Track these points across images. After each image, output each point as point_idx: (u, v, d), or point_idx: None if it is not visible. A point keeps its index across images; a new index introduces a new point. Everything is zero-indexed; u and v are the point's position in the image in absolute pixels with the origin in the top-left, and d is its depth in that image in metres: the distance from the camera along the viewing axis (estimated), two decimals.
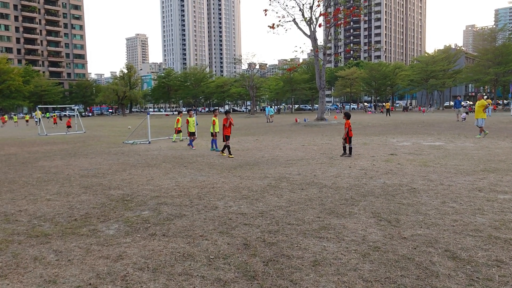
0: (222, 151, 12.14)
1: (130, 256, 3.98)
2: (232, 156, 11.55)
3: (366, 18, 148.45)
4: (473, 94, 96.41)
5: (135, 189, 7.31)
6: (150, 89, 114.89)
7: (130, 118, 61.94)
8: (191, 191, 7.01)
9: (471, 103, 58.61)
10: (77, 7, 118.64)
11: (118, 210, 5.80)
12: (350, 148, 11.13)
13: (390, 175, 8.03)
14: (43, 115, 43.86)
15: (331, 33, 36.68)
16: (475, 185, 6.83)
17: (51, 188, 7.55)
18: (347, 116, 11.23)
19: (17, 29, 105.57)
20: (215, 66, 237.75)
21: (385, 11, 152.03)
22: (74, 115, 30.89)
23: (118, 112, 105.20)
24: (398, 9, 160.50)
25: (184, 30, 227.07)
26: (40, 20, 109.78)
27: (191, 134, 14.75)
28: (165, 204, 6.08)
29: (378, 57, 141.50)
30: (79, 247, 4.29)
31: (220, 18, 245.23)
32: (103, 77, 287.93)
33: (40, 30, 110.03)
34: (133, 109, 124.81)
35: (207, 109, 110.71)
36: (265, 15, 32.90)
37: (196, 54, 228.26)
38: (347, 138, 11.06)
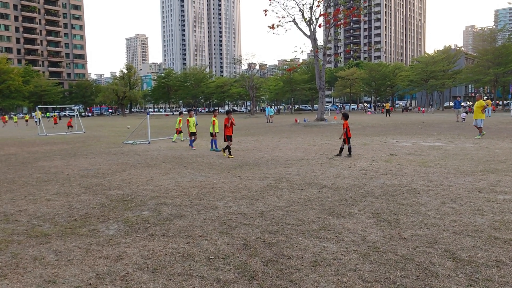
0: (224, 150, 11.99)
1: (130, 256, 3.98)
2: (232, 156, 11.54)
3: (366, 19, 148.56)
4: (473, 94, 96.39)
5: (135, 189, 7.31)
6: (150, 89, 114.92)
7: (130, 118, 61.93)
8: (191, 191, 7.01)
9: (471, 103, 58.59)
10: (77, 7, 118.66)
11: (118, 210, 5.80)
12: (350, 149, 11.14)
13: (390, 175, 8.03)
14: (43, 115, 43.84)
15: (331, 34, 36.69)
16: (475, 186, 6.83)
17: (50, 188, 7.55)
18: (345, 116, 11.25)
19: (17, 29, 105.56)
20: (215, 66, 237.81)
21: (385, 12, 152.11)
22: (74, 115, 30.86)
23: (118, 112, 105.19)
24: (398, 10, 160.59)
25: (184, 30, 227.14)
26: (40, 20, 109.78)
27: (192, 134, 14.74)
28: (164, 204, 6.08)
29: (378, 57, 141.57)
30: (78, 247, 4.29)
31: (220, 18, 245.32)
32: (103, 77, 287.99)
33: (40, 30, 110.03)
34: (133, 109, 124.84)
35: (207, 110, 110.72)
36: (265, 15, 32.91)
37: (196, 54, 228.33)
38: (346, 139, 11.06)
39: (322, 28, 67.32)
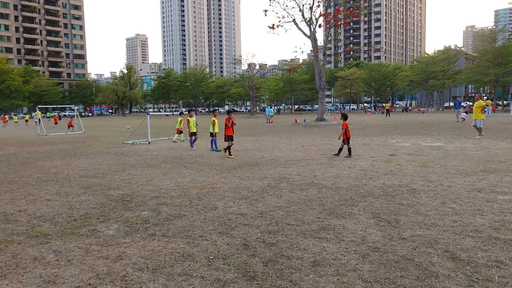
0: (225, 150, 11.86)
1: (130, 256, 3.97)
2: (232, 156, 11.54)
3: (366, 19, 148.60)
4: (473, 94, 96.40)
5: (135, 189, 7.31)
6: (150, 89, 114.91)
7: (130, 118, 61.93)
8: (191, 191, 7.01)
9: (471, 103, 58.59)
10: (77, 7, 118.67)
11: (118, 210, 5.80)
12: (349, 149, 11.13)
13: (390, 175, 8.03)
14: (43, 115, 43.86)
15: (331, 34, 36.69)
16: (474, 186, 6.83)
17: (50, 188, 7.55)
18: (345, 117, 11.26)
19: (17, 29, 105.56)
20: (215, 67, 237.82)
21: (385, 12, 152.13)
22: (74, 115, 30.87)
23: (118, 112, 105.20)
24: (398, 10, 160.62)
25: (184, 30, 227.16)
26: (40, 20, 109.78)
27: (192, 134, 14.72)
28: (164, 205, 6.08)
29: (378, 57, 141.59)
30: (78, 247, 4.29)
31: (220, 18, 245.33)
32: (103, 77, 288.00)
33: (40, 30, 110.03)
34: (133, 109, 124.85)
35: (206, 110, 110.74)
36: (265, 15, 32.92)
37: (196, 54, 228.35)
38: (345, 139, 11.06)
39: (322, 28, 67.36)
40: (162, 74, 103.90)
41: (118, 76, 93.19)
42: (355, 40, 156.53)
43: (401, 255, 3.85)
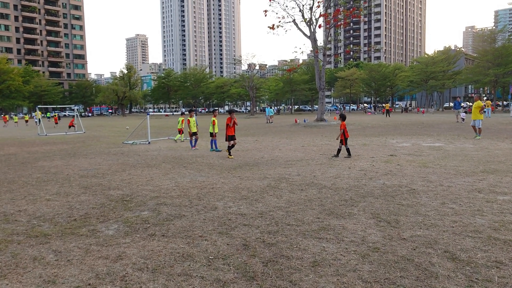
0: (229, 151, 11.73)
1: (130, 257, 3.98)
2: (232, 156, 11.54)
3: (366, 19, 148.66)
4: (473, 95, 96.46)
5: (135, 189, 7.31)
6: (150, 89, 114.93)
7: (130, 119, 61.94)
8: (191, 191, 7.01)
9: (471, 104, 58.59)
10: (77, 7, 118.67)
11: (118, 211, 5.80)
12: (348, 149, 11.12)
13: (390, 176, 8.03)
14: (43, 115, 43.86)
15: (331, 34, 36.70)
16: (474, 186, 6.83)
17: (50, 188, 7.55)
18: (343, 117, 11.26)
19: (17, 29, 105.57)
20: (215, 67, 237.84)
21: (385, 12, 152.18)
22: (74, 115, 30.90)
23: (118, 113, 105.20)
24: (398, 10, 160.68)
25: (184, 30, 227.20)
26: (40, 20, 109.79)
27: (193, 134, 14.71)
28: (164, 205, 6.08)
29: (378, 58, 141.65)
30: (78, 247, 4.29)
31: (220, 18, 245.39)
32: (103, 77, 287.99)
33: (40, 30, 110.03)
34: (133, 110, 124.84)
35: (206, 110, 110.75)
36: (265, 15, 32.92)
37: (196, 55, 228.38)
38: (343, 140, 11.06)
39: (322, 28, 67.40)
40: (162, 74, 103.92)
41: (118, 76, 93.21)
42: (355, 41, 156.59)
43: (401, 255, 3.85)
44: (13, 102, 75.82)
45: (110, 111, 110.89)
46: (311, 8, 31.04)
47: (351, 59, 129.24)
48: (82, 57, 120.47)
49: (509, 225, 4.71)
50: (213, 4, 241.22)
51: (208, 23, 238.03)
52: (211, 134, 13.43)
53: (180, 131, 17.74)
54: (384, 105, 60.77)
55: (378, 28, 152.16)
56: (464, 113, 29.20)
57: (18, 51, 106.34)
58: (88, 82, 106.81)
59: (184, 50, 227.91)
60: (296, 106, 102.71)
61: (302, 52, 46.17)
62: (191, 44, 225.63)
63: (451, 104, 70.56)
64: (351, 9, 33.91)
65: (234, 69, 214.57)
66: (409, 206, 5.65)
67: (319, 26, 32.22)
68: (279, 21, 31.70)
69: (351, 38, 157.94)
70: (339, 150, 11.23)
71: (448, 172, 8.30)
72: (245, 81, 73.38)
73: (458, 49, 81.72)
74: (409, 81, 74.57)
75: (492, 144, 13.44)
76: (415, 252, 3.93)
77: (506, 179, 7.41)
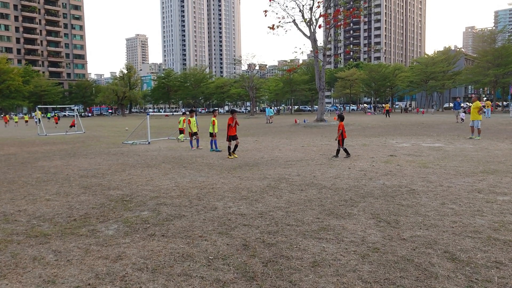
0: (233, 152, 11.74)
1: (129, 257, 3.97)
2: (232, 157, 11.53)
3: (366, 20, 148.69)
4: (472, 95, 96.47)
5: (135, 189, 7.31)
6: (150, 89, 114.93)
7: (130, 119, 61.93)
8: (191, 191, 7.01)
9: (471, 104, 58.57)
10: (77, 7, 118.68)
11: (118, 211, 5.80)
12: (345, 149, 11.11)
13: (390, 176, 8.04)
14: (43, 115, 43.86)
15: (331, 34, 36.70)
16: (474, 187, 6.83)
17: (50, 188, 7.55)
18: (341, 118, 11.26)
19: (17, 29, 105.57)
20: (215, 67, 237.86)
21: (385, 12, 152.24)
22: (74, 116, 30.91)
23: (118, 113, 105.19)
24: (398, 10, 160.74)
25: (184, 30, 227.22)
26: (40, 20, 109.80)
27: (193, 134, 14.70)
28: (164, 205, 6.08)
29: (378, 58, 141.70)
30: (78, 247, 4.29)
31: (220, 19, 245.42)
32: (103, 77, 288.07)
33: (40, 30, 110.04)
34: (132, 110, 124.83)
35: (206, 110, 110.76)
36: (265, 16, 32.91)
37: (196, 55, 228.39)
38: (340, 140, 11.05)
39: (322, 29, 67.42)
40: (162, 75, 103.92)
41: (118, 76, 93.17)
42: (355, 41, 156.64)
43: (400, 255, 3.85)
44: (13, 102, 75.81)
45: (110, 111, 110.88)
46: (311, 9, 31.05)
47: (351, 60, 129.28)
48: (82, 57, 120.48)
49: (509, 225, 4.71)
50: (213, 4, 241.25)
51: (208, 23, 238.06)
52: (211, 134, 13.43)
53: (183, 131, 17.75)
54: (384, 105, 60.82)
55: (378, 28, 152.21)
56: (463, 114, 29.22)
57: (18, 51, 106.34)
58: (88, 82, 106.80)
59: (184, 50, 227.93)
60: (296, 107, 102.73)
61: (302, 53, 46.25)
62: (191, 44, 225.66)
63: (451, 105, 70.60)
64: (351, 10, 33.93)
65: (234, 69, 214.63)
66: (409, 207, 5.65)
67: (319, 27, 32.21)
68: (279, 21, 31.72)
69: (351, 38, 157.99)
70: (338, 151, 11.23)
71: (448, 172, 8.30)
72: (245, 81, 73.39)
73: (458, 49, 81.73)
74: (409, 82, 74.59)
75: (492, 145, 13.45)
76: (415, 252, 3.93)
77: (506, 179, 7.41)
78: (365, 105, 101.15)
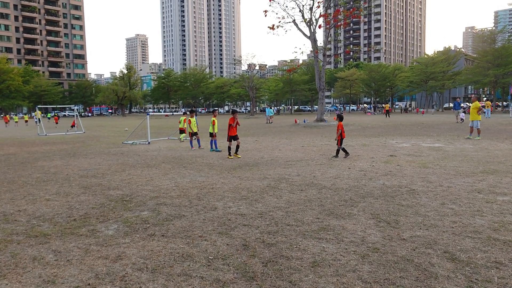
0: (236, 153, 11.73)
1: (129, 257, 3.97)
2: (232, 157, 11.53)
3: (366, 20, 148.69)
4: (472, 95, 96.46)
5: (134, 189, 7.30)
6: (150, 89, 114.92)
7: (130, 119, 61.93)
8: (191, 191, 7.01)
9: (471, 104, 58.54)
10: (77, 7, 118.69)
11: (117, 211, 5.80)
12: (343, 149, 11.11)
13: (390, 176, 8.04)
14: (43, 115, 43.87)
15: (330, 34, 36.71)
16: (474, 187, 6.83)
17: (50, 188, 7.55)
18: (340, 118, 11.26)
19: (17, 29, 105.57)
20: (215, 67, 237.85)
21: (385, 13, 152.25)
22: (74, 115, 30.92)
23: (118, 113, 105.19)
24: (397, 11, 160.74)
25: (184, 30, 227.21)
26: (40, 20, 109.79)
27: (193, 134, 14.70)
28: (164, 205, 6.08)
29: (378, 58, 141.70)
30: (78, 247, 4.29)
31: (220, 19, 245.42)
32: (103, 77, 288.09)
33: (40, 30, 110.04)
34: (132, 110, 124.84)
35: (206, 110, 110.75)
36: (265, 16, 32.91)
37: (196, 55, 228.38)
38: (339, 140, 11.05)
39: (322, 29, 67.39)
40: (162, 75, 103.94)
41: (118, 76, 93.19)
42: (355, 41, 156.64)
43: (400, 255, 3.85)
44: (13, 102, 75.81)
45: (110, 111, 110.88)
46: (311, 9, 31.06)
47: (351, 60, 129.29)
48: (82, 57, 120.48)
49: (509, 225, 4.71)
50: (213, 4, 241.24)
51: (208, 23, 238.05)
52: (211, 134, 13.42)
53: (184, 131, 17.76)
54: (384, 105, 60.82)
55: (378, 28, 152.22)
56: (463, 114, 29.24)
57: (18, 51, 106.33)
58: (88, 82, 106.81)
59: (184, 50, 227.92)
60: (296, 107, 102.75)
61: (302, 53, 46.22)
62: (191, 44, 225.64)
63: (451, 105, 70.60)
64: (351, 10, 33.94)
65: (234, 69, 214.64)
66: (409, 207, 5.65)
67: (319, 27, 32.22)
68: (279, 22, 31.72)
69: (351, 39, 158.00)
70: (338, 151, 11.23)
71: (447, 172, 8.30)
72: (245, 81, 73.41)
73: (458, 49, 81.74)
74: (409, 82, 74.59)
75: (492, 145, 13.45)
76: (414, 252, 3.93)
77: (505, 179, 7.41)
78: (365, 105, 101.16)
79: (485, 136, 16.44)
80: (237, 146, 11.75)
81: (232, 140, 11.64)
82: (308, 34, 31.60)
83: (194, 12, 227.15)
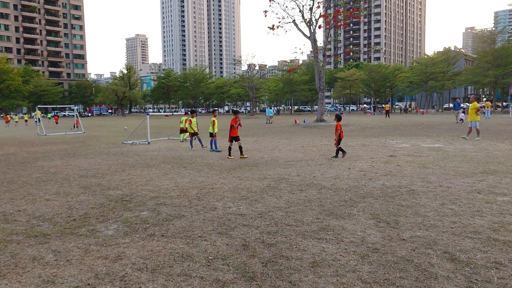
0: (241, 154, 11.64)
1: (129, 257, 3.97)
2: (232, 157, 11.53)
3: (366, 20, 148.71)
4: (471, 96, 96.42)
5: (134, 189, 7.30)
6: (150, 89, 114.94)
7: (130, 119, 61.92)
8: (190, 191, 7.01)
9: (469, 104, 58.48)
10: (77, 7, 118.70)
11: (117, 211, 5.80)
12: (341, 148, 11.09)
13: (389, 176, 8.04)
14: (43, 115, 43.88)
15: (330, 35, 36.72)
16: (474, 187, 6.83)
17: (50, 188, 7.55)
18: (338, 118, 11.27)
19: (17, 29, 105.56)
20: (214, 67, 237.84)
21: (385, 13, 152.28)
22: (74, 115, 30.92)
23: (118, 113, 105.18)
24: (397, 11, 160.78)
25: (184, 30, 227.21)
26: (40, 20, 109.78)
27: (194, 134, 14.70)
28: (164, 205, 6.08)
29: (378, 58, 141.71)
30: (77, 247, 4.28)
31: (220, 19, 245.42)
32: (102, 77, 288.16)
33: (40, 30, 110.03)
34: (132, 110, 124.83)
35: (206, 110, 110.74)
36: (265, 16, 32.93)
37: (196, 55, 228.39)
38: (337, 140, 11.05)
39: (322, 29, 67.37)
40: (162, 75, 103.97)
41: (118, 76, 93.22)
42: (354, 41, 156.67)
43: (400, 256, 3.85)
44: (12, 102, 75.81)
45: (110, 111, 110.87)
46: (311, 9, 31.07)
47: (351, 60, 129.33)
48: (82, 57, 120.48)
49: (509, 226, 4.71)
50: (213, 4, 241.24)
51: (208, 23, 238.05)
52: (211, 134, 13.42)
53: (185, 130, 17.75)
54: (384, 106, 60.83)
55: (378, 28, 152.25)
56: (463, 114, 29.25)
57: (18, 51, 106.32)
58: (88, 82, 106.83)
59: (184, 50, 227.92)
60: (296, 107, 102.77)
61: (302, 53, 46.14)
62: (191, 44, 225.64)
63: (451, 105, 70.60)
64: (351, 10, 33.95)
65: (234, 69, 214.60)
66: (409, 207, 5.65)
67: (319, 27, 32.23)
68: (279, 22, 31.74)
69: (351, 39, 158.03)
70: (337, 151, 11.23)
71: (447, 173, 8.30)
72: (245, 81, 73.43)
73: (458, 50, 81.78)
74: (409, 82, 74.62)
75: (492, 145, 13.45)
76: (414, 252, 3.93)
77: (505, 180, 7.41)
78: (365, 105, 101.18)
79: (484, 137, 16.44)
80: (240, 147, 11.71)
81: (233, 141, 11.62)
82: (308, 35, 31.61)
83: (194, 12, 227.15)
